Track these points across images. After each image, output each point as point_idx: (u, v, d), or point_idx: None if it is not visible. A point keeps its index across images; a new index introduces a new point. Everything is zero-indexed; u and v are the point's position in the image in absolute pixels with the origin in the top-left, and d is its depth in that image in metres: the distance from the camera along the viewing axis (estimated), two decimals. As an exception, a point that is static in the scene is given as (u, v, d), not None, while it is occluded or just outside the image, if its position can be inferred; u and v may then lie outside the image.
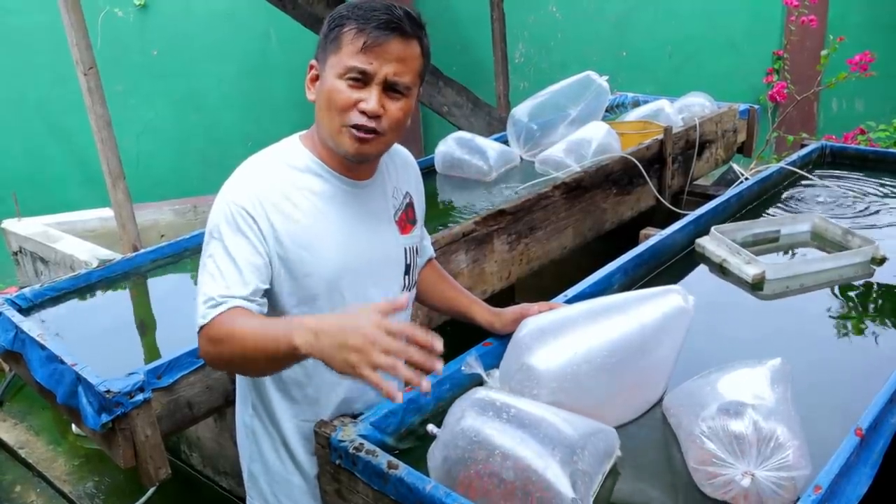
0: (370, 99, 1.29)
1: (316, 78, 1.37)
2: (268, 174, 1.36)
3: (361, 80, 1.29)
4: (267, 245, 1.32)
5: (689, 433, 1.32)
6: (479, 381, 1.49)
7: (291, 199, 1.35)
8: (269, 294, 1.36)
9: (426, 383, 1.09)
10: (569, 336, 1.47)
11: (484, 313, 1.67)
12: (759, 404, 1.27)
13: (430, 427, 1.37)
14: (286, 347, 1.15)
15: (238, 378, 1.55)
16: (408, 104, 1.35)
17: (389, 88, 1.31)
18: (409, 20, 1.30)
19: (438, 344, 1.11)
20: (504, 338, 1.62)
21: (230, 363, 1.33)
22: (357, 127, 1.31)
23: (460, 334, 1.73)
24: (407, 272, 1.52)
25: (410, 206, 1.55)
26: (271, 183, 1.35)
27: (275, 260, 1.34)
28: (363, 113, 1.30)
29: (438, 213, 2.96)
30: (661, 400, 1.53)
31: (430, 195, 3.18)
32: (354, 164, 1.39)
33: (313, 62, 1.38)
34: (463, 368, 1.46)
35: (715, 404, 1.30)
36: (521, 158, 3.48)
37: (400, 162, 1.56)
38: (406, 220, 1.53)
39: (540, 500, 1.18)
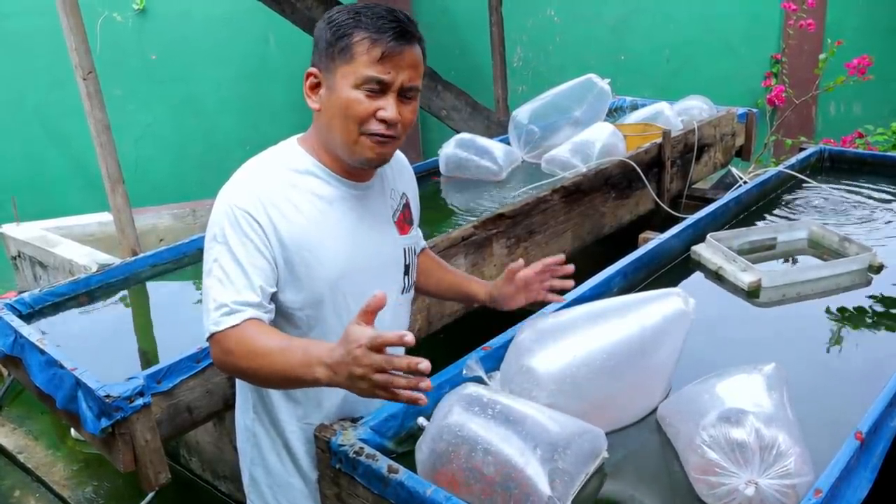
0: (389, 107, 1.31)
1: (316, 86, 1.37)
2: (269, 176, 1.37)
3: (379, 89, 1.31)
4: (271, 247, 1.33)
5: (688, 442, 1.31)
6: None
7: (293, 201, 1.35)
8: (274, 297, 1.36)
9: (424, 384, 1.09)
10: (569, 338, 1.47)
11: (480, 286, 1.70)
12: (758, 411, 1.26)
13: (420, 420, 1.39)
14: (309, 378, 1.19)
15: (238, 381, 1.55)
16: (416, 105, 1.38)
17: (402, 94, 1.33)
18: (413, 26, 1.33)
19: (409, 337, 1.09)
20: (503, 342, 1.63)
21: (243, 374, 1.34)
22: (376, 135, 1.33)
23: (457, 339, 1.73)
24: (406, 272, 1.53)
25: (407, 206, 1.56)
26: (273, 185, 1.35)
27: (279, 262, 1.34)
28: (382, 121, 1.32)
29: (451, 215, 2.98)
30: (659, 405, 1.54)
31: (437, 198, 3.20)
32: (365, 168, 1.41)
33: (313, 70, 1.37)
34: (464, 371, 1.47)
35: (714, 412, 1.29)
36: (523, 159, 3.50)
37: (395, 164, 1.56)
38: (404, 221, 1.54)
39: (518, 496, 1.19)
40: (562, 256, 1.64)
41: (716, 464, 1.24)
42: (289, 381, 1.25)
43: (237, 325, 1.27)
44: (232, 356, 1.27)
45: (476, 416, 1.28)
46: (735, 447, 1.23)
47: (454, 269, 1.78)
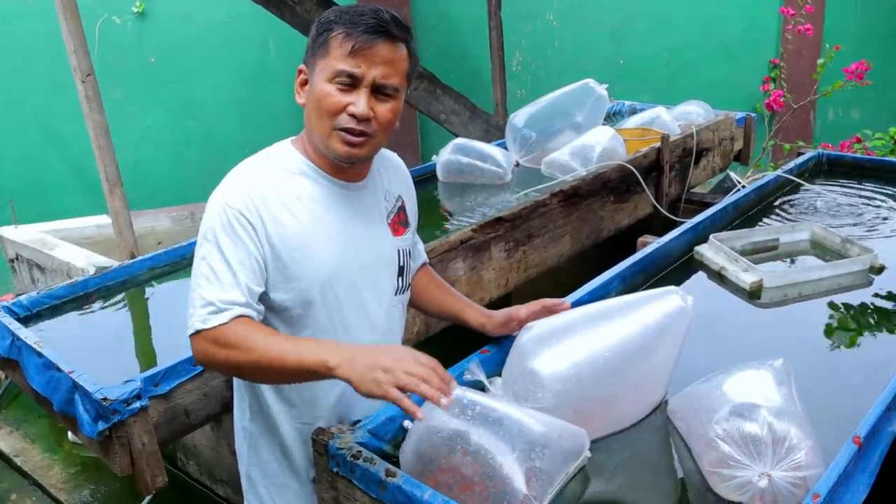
0: (359, 102, 1.32)
1: (305, 82, 1.39)
2: (261, 177, 1.37)
3: (350, 83, 1.32)
4: (262, 248, 1.33)
5: (701, 436, 1.33)
6: (480, 388, 1.49)
7: (285, 201, 1.36)
8: (265, 298, 1.36)
9: (445, 400, 1.18)
10: (571, 339, 1.47)
11: (476, 315, 1.68)
12: (770, 405, 1.28)
13: (406, 423, 1.39)
14: (318, 367, 1.22)
15: (235, 383, 1.55)
16: (396, 105, 1.37)
17: (378, 91, 1.34)
18: (395, 24, 1.33)
19: (454, 382, 1.24)
20: (502, 345, 1.63)
21: (236, 368, 1.33)
22: (347, 130, 1.33)
23: (455, 343, 1.73)
24: (400, 274, 1.53)
25: (402, 209, 1.56)
26: (265, 186, 1.36)
27: (269, 262, 1.35)
28: (353, 116, 1.32)
29: (455, 218, 2.97)
30: (662, 403, 1.54)
31: (434, 202, 3.20)
32: (346, 166, 1.41)
33: (302, 67, 1.40)
34: (466, 375, 1.47)
35: (727, 406, 1.31)
36: (518, 163, 3.51)
37: (391, 166, 1.58)
38: (398, 223, 1.54)
39: (495, 494, 1.21)
40: (562, 302, 1.64)
41: (729, 457, 1.25)
42: (295, 370, 1.26)
43: (225, 323, 1.28)
44: (227, 349, 1.27)
45: (455, 418, 1.29)
46: (748, 441, 1.25)
47: (452, 290, 1.75)
